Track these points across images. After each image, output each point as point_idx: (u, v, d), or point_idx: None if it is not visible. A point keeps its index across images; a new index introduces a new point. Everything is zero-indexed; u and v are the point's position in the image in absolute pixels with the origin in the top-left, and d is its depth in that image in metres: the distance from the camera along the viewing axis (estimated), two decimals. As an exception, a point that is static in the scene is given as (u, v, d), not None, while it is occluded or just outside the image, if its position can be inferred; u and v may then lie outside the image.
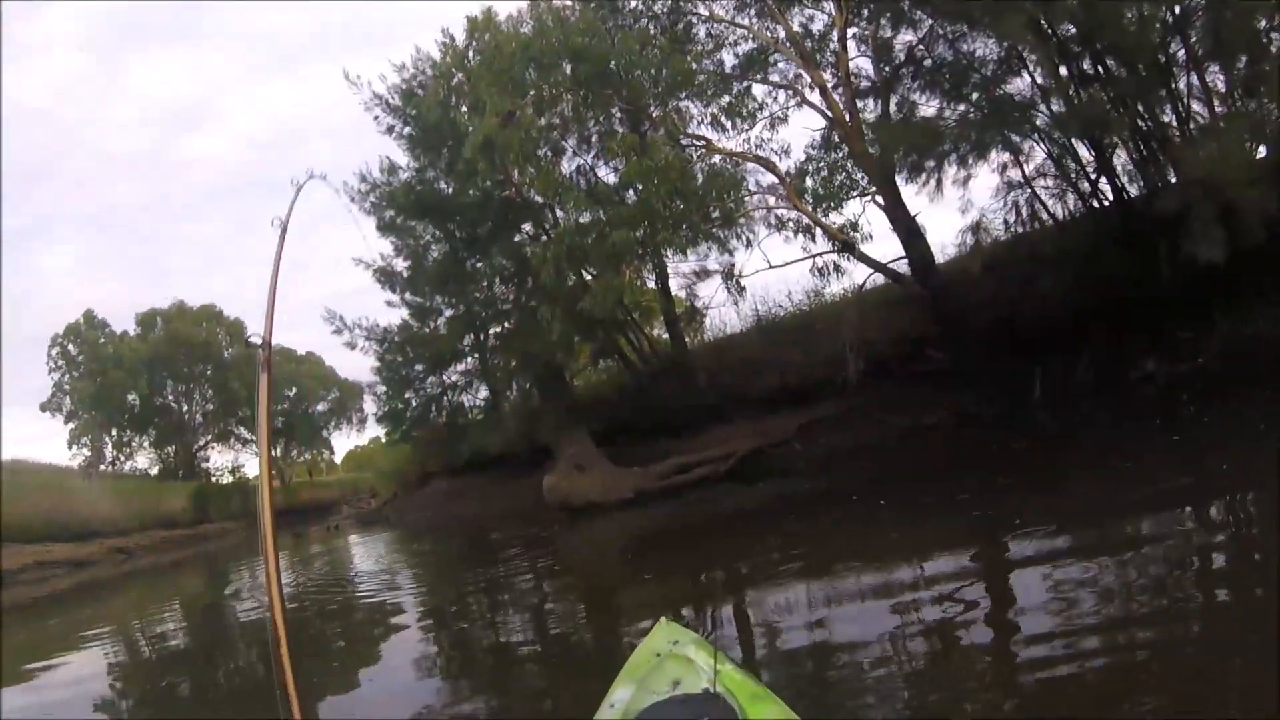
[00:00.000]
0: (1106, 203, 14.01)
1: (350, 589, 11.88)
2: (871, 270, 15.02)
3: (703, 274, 17.25)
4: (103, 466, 44.16)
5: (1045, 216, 14.96)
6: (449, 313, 19.64)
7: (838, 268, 15.35)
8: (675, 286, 18.40)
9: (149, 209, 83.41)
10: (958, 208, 15.99)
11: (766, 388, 15.98)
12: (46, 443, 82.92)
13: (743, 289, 16.30)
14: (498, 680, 5.24)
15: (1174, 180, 12.02)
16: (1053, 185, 14.99)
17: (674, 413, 16.69)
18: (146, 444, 47.10)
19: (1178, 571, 4.47)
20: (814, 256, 15.29)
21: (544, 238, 16.30)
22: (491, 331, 19.14)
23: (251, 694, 5.72)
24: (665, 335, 20.20)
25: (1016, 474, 8.60)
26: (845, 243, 14.37)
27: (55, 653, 8.75)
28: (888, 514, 8.10)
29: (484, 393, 21.05)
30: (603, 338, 18.11)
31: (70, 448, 44.56)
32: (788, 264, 15.62)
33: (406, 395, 21.57)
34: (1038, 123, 13.45)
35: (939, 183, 15.19)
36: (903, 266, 14.84)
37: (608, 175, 15.65)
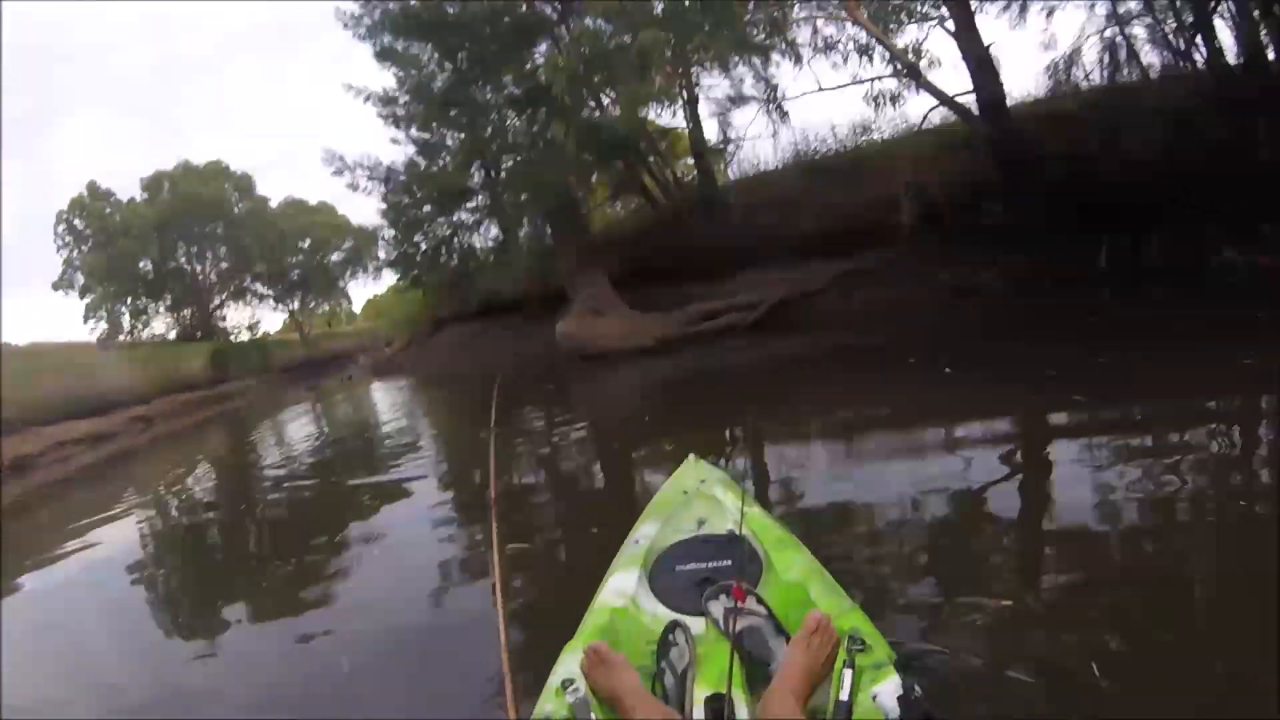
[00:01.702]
0: (1201, 64, 12.32)
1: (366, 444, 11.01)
2: (933, 105, 13.15)
3: (738, 99, 15.38)
4: (121, 337, 43.99)
5: (1133, 68, 13.11)
6: (456, 145, 17.88)
7: (895, 98, 13.44)
8: (706, 114, 16.57)
9: (153, 75, 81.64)
10: (1041, 42, 14.02)
11: (803, 232, 14.26)
12: (63, 322, 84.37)
13: (785, 114, 14.35)
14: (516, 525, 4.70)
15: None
16: (1145, 33, 13.07)
17: (700, 254, 15.15)
18: (162, 309, 46.62)
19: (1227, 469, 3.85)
20: (871, 81, 13.32)
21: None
22: (503, 165, 17.38)
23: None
24: (693, 171, 18.37)
25: (1068, 345, 7.49)
26: (910, 66, 12.43)
27: (77, 533, 8.02)
28: (923, 375, 7.29)
29: (495, 233, 19.50)
30: (623, 167, 16.43)
31: (86, 322, 44.25)
32: (841, 87, 13.65)
33: (415, 238, 20.26)
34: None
35: (1023, 7, 13.22)
36: (969, 104, 13.03)
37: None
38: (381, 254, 22.73)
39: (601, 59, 11.28)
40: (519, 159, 15.91)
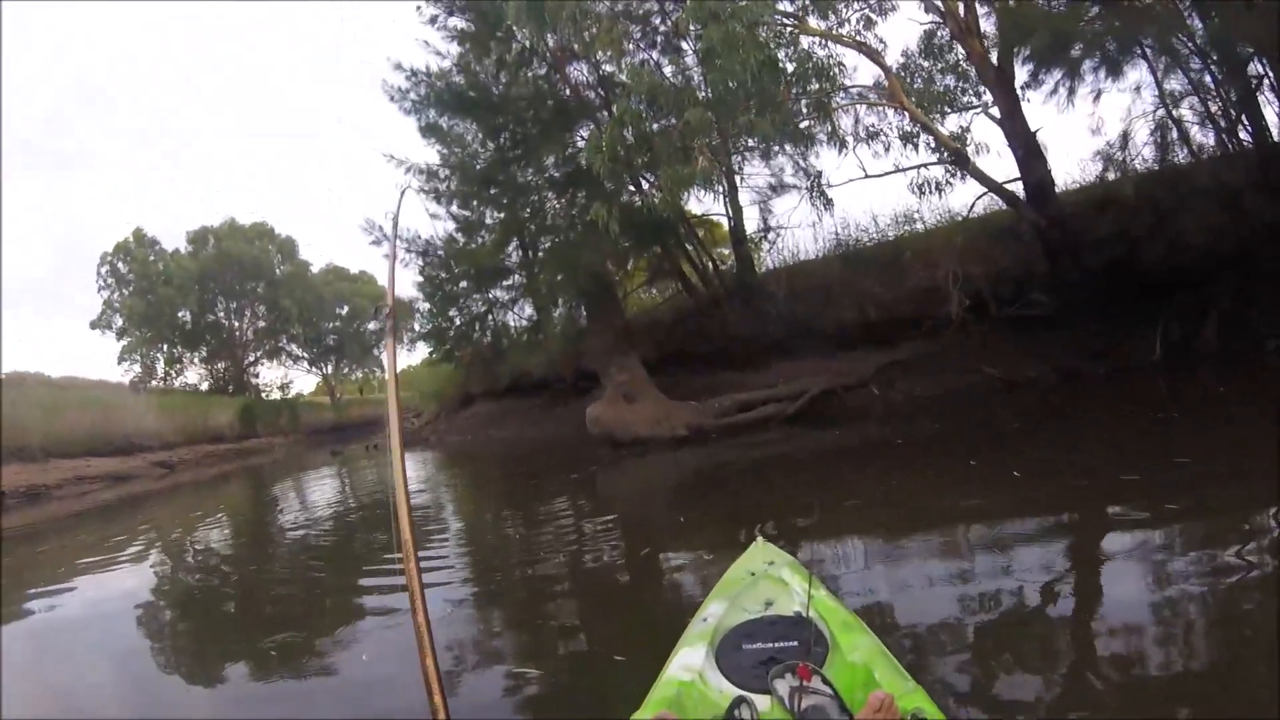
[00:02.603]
0: (1247, 143, 12.22)
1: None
2: (981, 193, 12.92)
3: (780, 187, 15.29)
4: (154, 382, 44.20)
5: (1183, 150, 13.07)
6: (494, 223, 17.83)
7: (940, 186, 13.15)
8: (746, 201, 16.53)
9: (197, 127, 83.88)
10: (1089, 126, 13.94)
11: (843, 322, 14.14)
12: (97, 360, 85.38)
13: (829, 202, 14.16)
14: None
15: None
16: (1192, 115, 13.05)
17: (737, 343, 14.98)
18: (197, 360, 47.13)
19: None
20: (918, 168, 13.08)
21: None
22: (540, 245, 17.32)
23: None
24: (731, 258, 18.22)
25: (1125, 444, 7.12)
26: (957, 153, 12.23)
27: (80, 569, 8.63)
28: (972, 474, 6.95)
29: (529, 312, 19.36)
30: (661, 252, 16.28)
31: (119, 363, 44.64)
32: (886, 175, 13.33)
33: (450, 313, 20.09)
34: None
35: (1071, 91, 13.08)
36: (1015, 191, 12.76)
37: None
38: (416, 326, 22.64)
39: (644, 140, 11.12)
40: (557, 240, 15.81)
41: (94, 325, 44.72)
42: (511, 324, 19.60)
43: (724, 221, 17.67)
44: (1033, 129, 12.42)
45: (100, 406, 31.05)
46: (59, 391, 31.60)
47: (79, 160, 76.34)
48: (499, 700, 3.48)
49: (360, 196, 51.68)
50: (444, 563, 6.41)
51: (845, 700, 2.00)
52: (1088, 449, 7.13)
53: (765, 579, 2.87)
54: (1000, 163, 13.07)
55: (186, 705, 4.08)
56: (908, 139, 12.96)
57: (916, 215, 14.90)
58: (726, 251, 18.68)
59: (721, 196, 16.20)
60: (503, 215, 17.03)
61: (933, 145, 12.94)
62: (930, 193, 13.30)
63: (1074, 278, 11.88)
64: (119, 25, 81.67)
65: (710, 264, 17.46)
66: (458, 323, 20.07)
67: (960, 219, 13.80)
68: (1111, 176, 13.55)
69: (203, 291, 44.65)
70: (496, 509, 9.92)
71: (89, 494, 22.08)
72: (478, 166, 16.67)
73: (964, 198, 14.53)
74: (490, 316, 19.73)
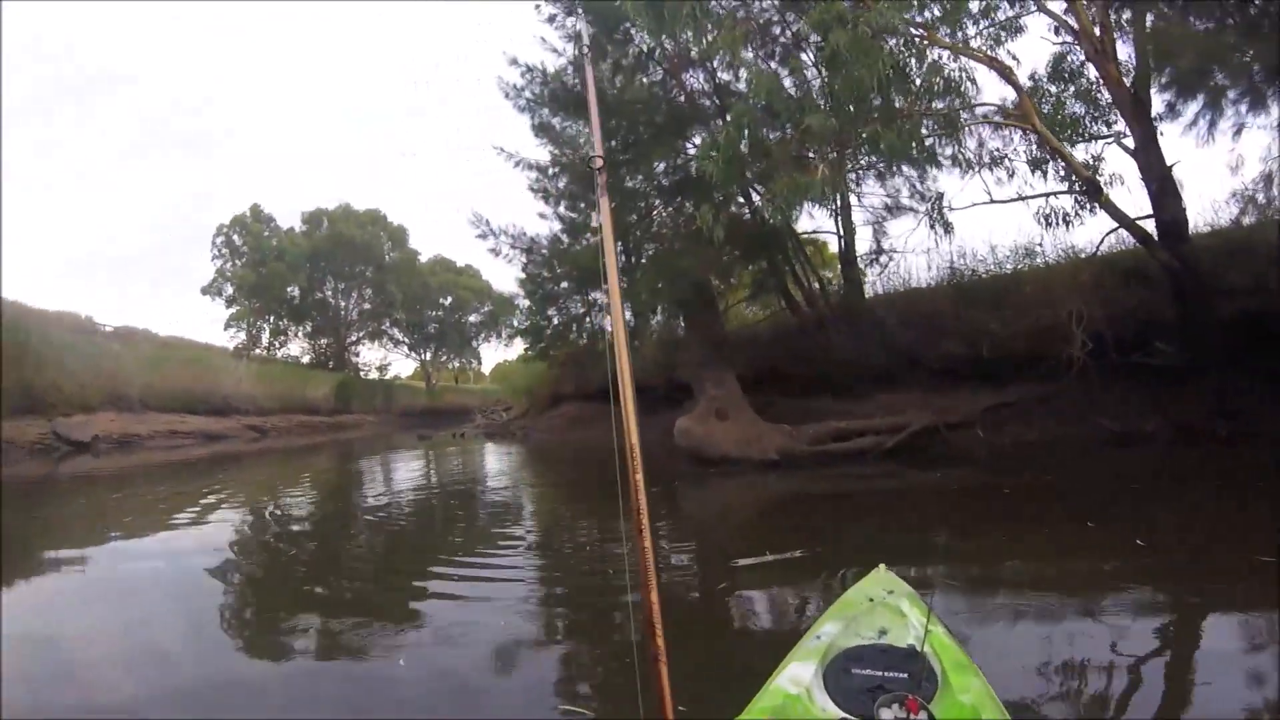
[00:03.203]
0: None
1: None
2: (1110, 229, 12.02)
3: (895, 208, 14.68)
4: (257, 350, 46.45)
5: None
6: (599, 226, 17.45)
7: (1068, 217, 12.30)
8: (858, 221, 15.95)
9: (321, 121, 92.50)
10: (1227, 164, 13.08)
11: (951, 356, 13.34)
12: (205, 326, 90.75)
13: (949, 226, 13.43)
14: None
15: None
16: None
17: (837, 368, 14.31)
18: (301, 334, 49.43)
19: None
20: (1046, 196, 12.29)
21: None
22: (644, 251, 17.06)
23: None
24: (838, 279, 17.59)
25: (1258, 518, 6.40)
26: (1089, 182, 11.43)
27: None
28: (1091, 536, 6.29)
29: (627, 317, 19.10)
30: (767, 265, 15.82)
31: (225, 329, 46.73)
32: (1011, 201, 12.57)
33: (549, 312, 20.08)
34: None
35: (1212, 124, 12.17)
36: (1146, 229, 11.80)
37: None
38: (515, 322, 22.77)
39: (759, 146, 10.68)
40: (660, 247, 15.50)
41: (204, 291, 47.17)
42: (608, 328, 19.36)
43: (833, 242, 17.14)
44: (1170, 163, 11.54)
45: (202, 367, 32.61)
46: (164, 349, 32.88)
47: (203, 140, 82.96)
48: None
49: (471, 192, 52.78)
50: (514, 573, 6.24)
51: None
52: (1215, 518, 6.61)
53: (883, 606, 2.83)
54: (1130, 198, 12.14)
55: (245, 672, 4.16)
56: (1036, 165, 12.21)
57: (1038, 248, 13.98)
58: (831, 275, 18.11)
59: (833, 214, 15.68)
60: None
61: (1061, 174, 12.16)
62: (1057, 224, 12.47)
63: (1203, 328, 10.97)
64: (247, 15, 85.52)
65: (817, 283, 16.86)
66: (555, 322, 20.08)
67: (1084, 255, 12.93)
68: (1248, 220, 12.67)
69: (312, 269, 46.68)
70: (573, 516, 9.67)
71: (181, 448, 23.20)
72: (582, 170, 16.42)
73: (1088, 234, 13.64)
74: (588, 319, 19.64)
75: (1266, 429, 9.91)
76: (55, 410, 21.72)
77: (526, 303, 21.10)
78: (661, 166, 15.14)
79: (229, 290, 46.77)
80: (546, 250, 19.16)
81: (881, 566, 3.29)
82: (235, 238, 47.01)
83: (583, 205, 17.74)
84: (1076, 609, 4.58)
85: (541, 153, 18.44)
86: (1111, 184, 11.87)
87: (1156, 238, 11.53)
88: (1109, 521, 6.64)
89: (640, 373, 18.34)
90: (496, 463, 18.34)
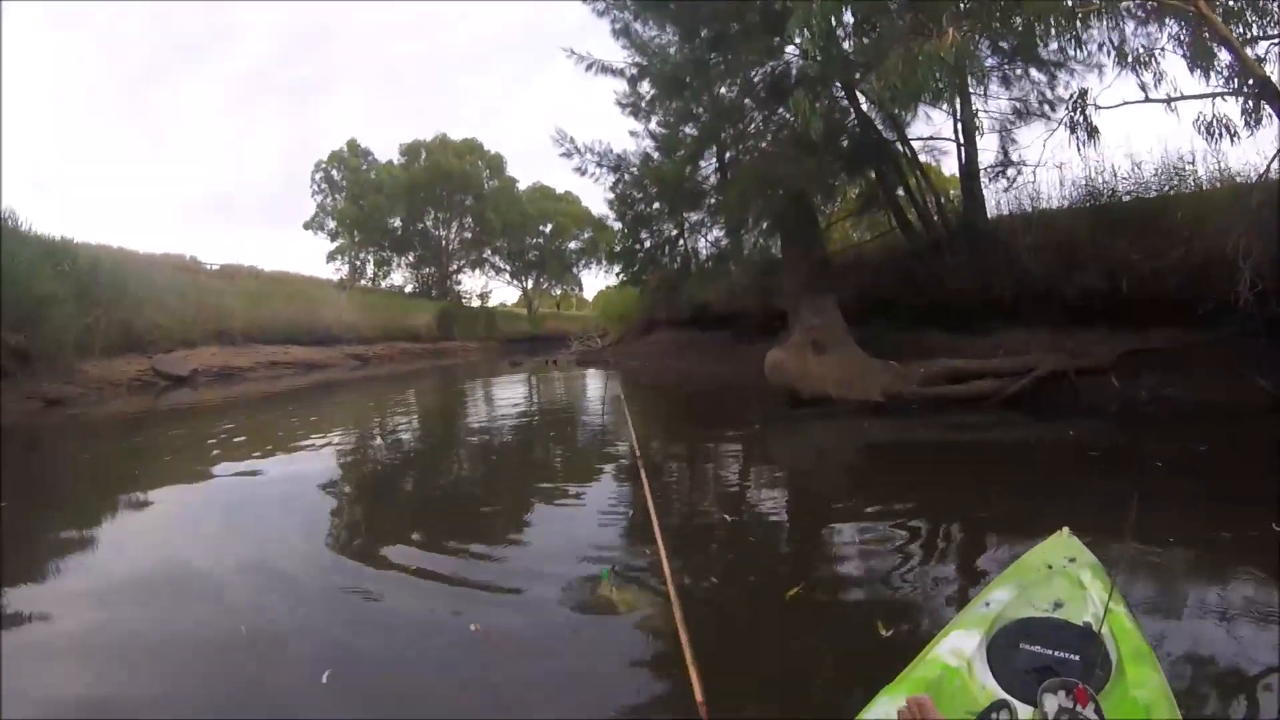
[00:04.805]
0: None
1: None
2: None
3: (1024, 113, 12.69)
4: (362, 282, 47.82)
5: None
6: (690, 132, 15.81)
7: (1233, 128, 10.18)
8: (984, 129, 13.81)
9: (420, 62, 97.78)
10: None
11: (1087, 291, 11.39)
12: (309, 260, 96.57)
13: (1094, 130, 11.35)
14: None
15: None
16: None
17: (955, 299, 12.59)
18: (404, 265, 50.59)
19: None
20: (1211, 96, 10.19)
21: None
22: (737, 160, 15.43)
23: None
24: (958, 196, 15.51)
25: None
26: (1265, 83, 9.34)
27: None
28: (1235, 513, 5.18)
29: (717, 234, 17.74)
30: (876, 176, 14.11)
31: (329, 263, 48.49)
32: (1170, 100, 10.53)
33: (642, 234, 18.95)
34: None
35: None
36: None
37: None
38: (615, 247, 21.80)
39: (865, 18, 8.90)
40: (754, 155, 13.92)
41: (307, 226, 48.99)
42: (703, 250, 18.15)
43: (950, 157, 15.10)
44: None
45: (305, 300, 33.43)
46: (268, 284, 33.93)
47: (302, 85, 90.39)
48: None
49: (568, 115, 51.76)
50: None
51: None
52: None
53: (1062, 576, 2.65)
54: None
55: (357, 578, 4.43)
56: (1196, 62, 10.13)
57: (1189, 167, 11.90)
58: (949, 194, 16.05)
59: (953, 115, 13.73)
60: (696, 128, 15.29)
61: (1225, 75, 10.11)
62: (1220, 136, 10.42)
63: None
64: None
65: (932, 200, 14.89)
66: (647, 245, 18.96)
67: (1243, 181, 10.65)
68: None
69: (411, 201, 47.17)
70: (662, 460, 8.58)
71: (282, 378, 23.65)
72: (667, 70, 14.85)
73: (1249, 155, 11.45)
74: (682, 241, 18.37)
75: None
76: (156, 347, 22.16)
77: (617, 224, 20.20)
78: (757, 75, 13.43)
79: (331, 225, 48.14)
80: (636, 168, 17.79)
81: (1065, 530, 3.03)
82: (334, 173, 48.16)
83: (669, 116, 16.24)
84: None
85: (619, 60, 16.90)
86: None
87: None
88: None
89: (731, 299, 17.43)
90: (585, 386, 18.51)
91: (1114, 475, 6.73)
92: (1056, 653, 2.13)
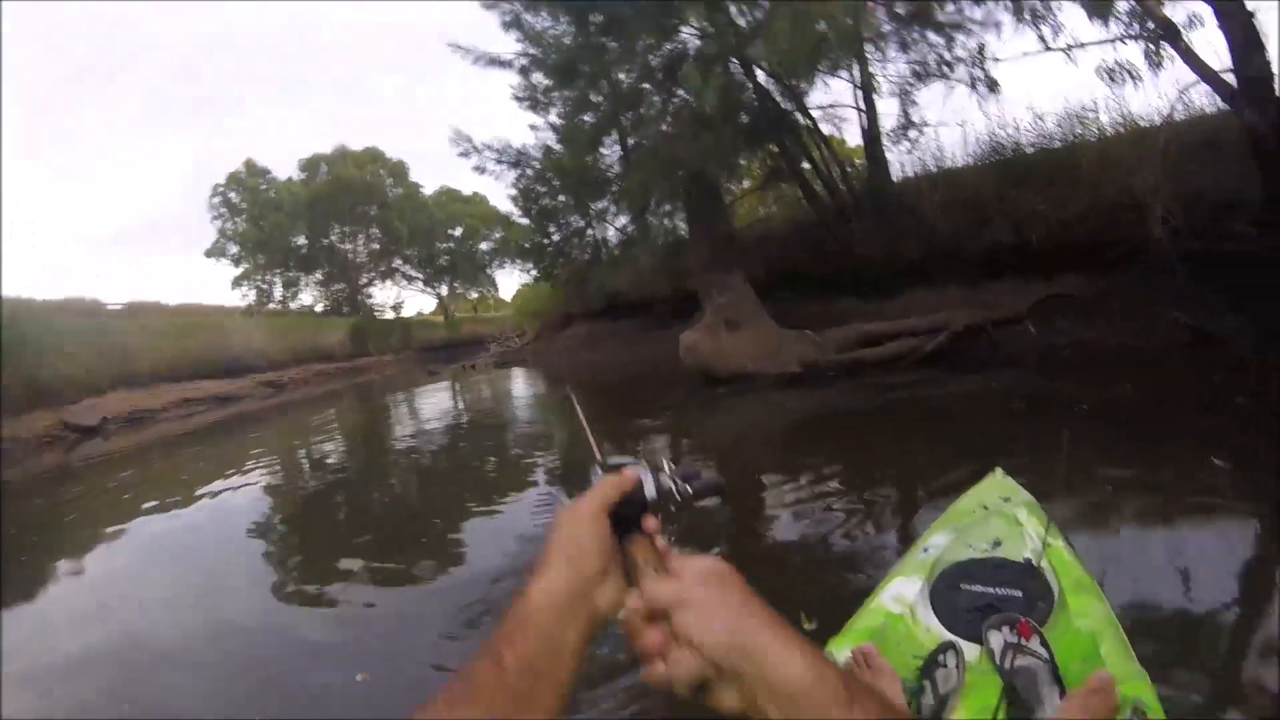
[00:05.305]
0: None
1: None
2: (1188, 83, 9.95)
3: (923, 75, 12.56)
4: (271, 305, 46.39)
5: None
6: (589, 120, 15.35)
7: (1135, 73, 10.24)
8: (884, 93, 13.72)
9: (319, 72, 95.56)
10: None
11: (996, 245, 11.51)
12: (215, 288, 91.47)
13: (994, 84, 11.30)
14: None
15: None
16: None
17: (865, 264, 12.50)
18: (313, 283, 48.98)
19: None
20: (1113, 41, 10.19)
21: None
22: (640, 145, 15.04)
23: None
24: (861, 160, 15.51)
25: None
26: (1166, 25, 9.34)
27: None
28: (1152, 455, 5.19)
29: (622, 221, 17.39)
30: (779, 149, 13.86)
31: (234, 289, 46.75)
32: (1070, 48, 10.55)
33: (549, 228, 18.70)
34: None
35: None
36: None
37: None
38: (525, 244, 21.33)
39: None
40: (652, 137, 13.56)
41: (208, 254, 46.75)
42: (612, 239, 17.78)
43: (854, 122, 14.96)
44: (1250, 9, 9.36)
45: (212, 331, 32.21)
46: (174, 318, 32.64)
47: (193, 109, 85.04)
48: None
49: (467, 116, 50.98)
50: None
51: (1061, 669, 1.76)
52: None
53: (998, 515, 2.58)
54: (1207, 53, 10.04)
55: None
56: (1096, 8, 10.12)
57: (1091, 115, 12.08)
58: (855, 162, 16.03)
59: (852, 85, 13.56)
60: (593, 116, 14.88)
61: (1125, 21, 10.14)
62: (1123, 80, 10.48)
63: None
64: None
65: (837, 168, 14.77)
66: (556, 239, 18.71)
67: (1147, 125, 10.95)
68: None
69: (314, 217, 45.60)
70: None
71: (194, 415, 22.47)
72: (558, 58, 14.36)
73: (1151, 100, 11.50)
74: (590, 231, 17.97)
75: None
76: (64, 399, 20.90)
77: (525, 221, 19.82)
78: (654, 59, 13.06)
79: (233, 249, 46.35)
80: (538, 162, 17.39)
81: (998, 470, 3.00)
82: (233, 195, 46.33)
83: (561, 98, 15.78)
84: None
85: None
86: (1194, 26, 9.83)
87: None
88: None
89: (640, 284, 17.10)
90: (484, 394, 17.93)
91: (1040, 422, 6.66)
92: (998, 590, 2.11)
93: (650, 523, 0.77)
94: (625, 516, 0.77)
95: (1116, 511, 4.31)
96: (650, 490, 0.79)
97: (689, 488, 0.81)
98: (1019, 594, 2.07)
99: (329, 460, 10.76)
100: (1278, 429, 5.35)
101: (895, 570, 2.40)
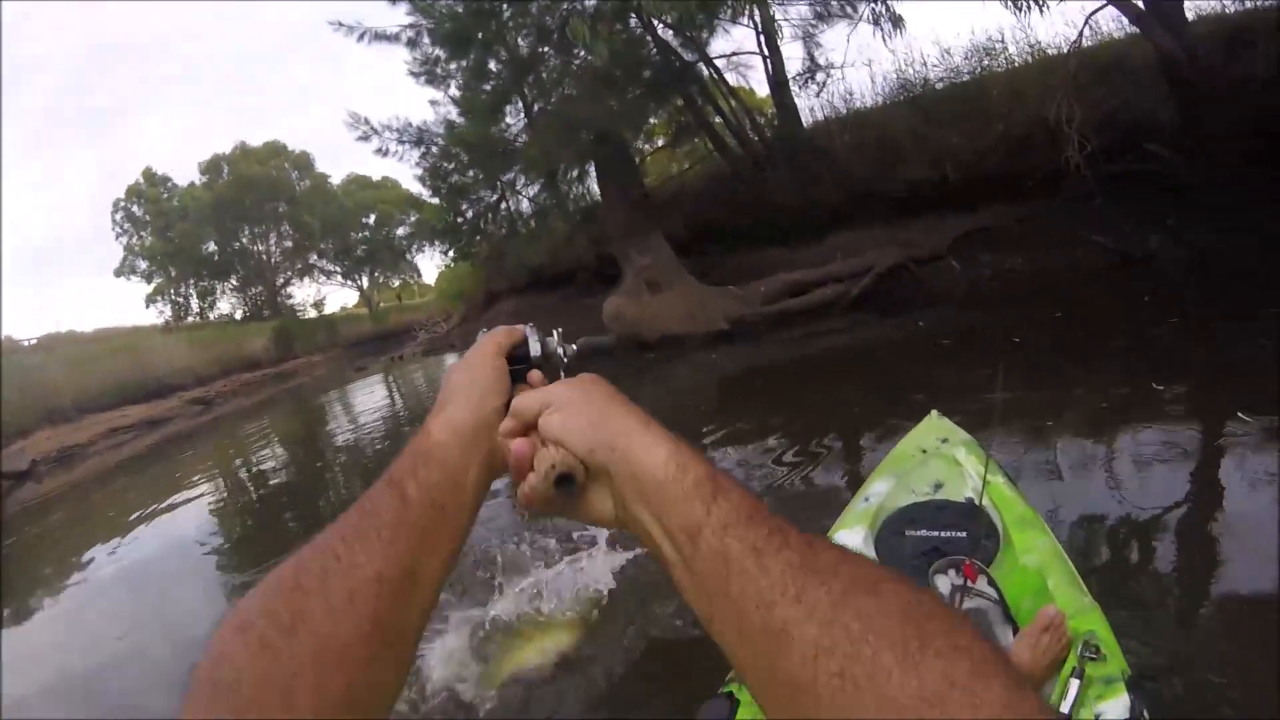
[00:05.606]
0: None
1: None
2: (1096, 7, 9.86)
3: (825, 16, 12.29)
4: (190, 318, 44.79)
5: None
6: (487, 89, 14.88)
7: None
8: (786, 36, 13.50)
9: (220, 67, 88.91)
10: None
11: (913, 183, 11.45)
12: (130, 308, 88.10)
13: (898, 20, 11.09)
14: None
15: None
16: None
17: (784, 213, 12.28)
18: (229, 290, 47.45)
19: None
20: None
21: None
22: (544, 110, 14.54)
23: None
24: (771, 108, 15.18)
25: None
26: None
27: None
28: (1081, 374, 5.43)
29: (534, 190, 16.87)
30: (684, 103, 13.52)
31: (148, 307, 45.02)
32: None
33: (462, 205, 17.82)
34: None
35: None
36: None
37: None
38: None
39: None
40: (552, 100, 13.09)
41: (118, 273, 44.81)
42: (526, 210, 17.26)
43: (759, 70, 14.69)
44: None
45: (130, 353, 30.90)
46: (89, 345, 31.64)
47: (90, 118, 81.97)
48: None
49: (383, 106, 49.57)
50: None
51: (1012, 607, 1.81)
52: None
53: (937, 458, 2.57)
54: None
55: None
56: None
57: (998, 45, 12.11)
58: (766, 111, 15.76)
59: (755, 32, 13.28)
60: (490, 85, 14.35)
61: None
62: (1029, 8, 10.41)
63: (1206, 129, 8.96)
64: None
65: (746, 118, 14.45)
66: (470, 215, 17.85)
67: (1054, 53, 11.07)
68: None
69: (221, 220, 44.00)
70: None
71: (125, 445, 21.46)
72: (448, 26, 13.76)
73: (1058, 28, 11.54)
74: (504, 204, 17.40)
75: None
76: None
77: (434, 200, 18.97)
78: (550, 20, 12.56)
79: (143, 265, 44.42)
80: (441, 138, 16.62)
81: (934, 413, 2.95)
82: (135, 209, 44.34)
83: (456, 68, 15.17)
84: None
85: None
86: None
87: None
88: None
89: (559, 255, 16.69)
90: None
91: (972, 357, 6.61)
92: (943, 533, 2.10)
93: (535, 375, 0.77)
94: (515, 371, 0.78)
95: (1056, 441, 4.28)
96: (535, 349, 0.80)
97: (573, 347, 0.83)
98: (963, 535, 2.07)
99: (269, 470, 10.52)
100: (1211, 343, 5.52)
101: (838, 523, 2.37)
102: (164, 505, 9.16)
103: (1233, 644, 2.34)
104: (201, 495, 9.26)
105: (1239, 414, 4.04)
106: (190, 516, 8.15)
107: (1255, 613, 2.47)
